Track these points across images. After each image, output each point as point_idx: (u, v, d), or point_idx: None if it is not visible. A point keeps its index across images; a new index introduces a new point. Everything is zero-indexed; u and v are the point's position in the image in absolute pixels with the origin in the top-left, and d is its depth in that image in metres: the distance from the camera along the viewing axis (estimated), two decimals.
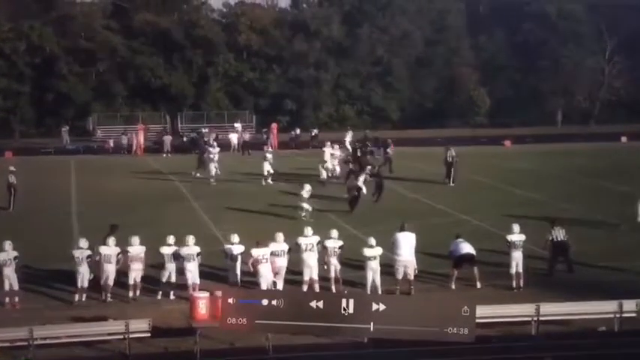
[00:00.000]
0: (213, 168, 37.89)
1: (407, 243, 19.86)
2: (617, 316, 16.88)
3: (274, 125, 57.18)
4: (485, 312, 15.93)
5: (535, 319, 16.64)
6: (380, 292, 18.89)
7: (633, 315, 16.91)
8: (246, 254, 19.29)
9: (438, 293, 19.00)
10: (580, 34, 75.99)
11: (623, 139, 59.11)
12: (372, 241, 19.50)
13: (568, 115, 74.88)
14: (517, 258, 19.94)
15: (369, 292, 18.73)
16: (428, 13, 77.53)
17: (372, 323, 10.64)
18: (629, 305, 16.88)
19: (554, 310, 17.01)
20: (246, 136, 54.55)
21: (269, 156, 37.96)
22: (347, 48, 72.94)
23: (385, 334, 10.79)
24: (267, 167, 36.96)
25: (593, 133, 63.17)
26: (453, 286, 19.72)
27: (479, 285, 19.83)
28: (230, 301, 11.24)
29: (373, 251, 19.31)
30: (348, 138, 50.21)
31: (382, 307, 10.63)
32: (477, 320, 15.71)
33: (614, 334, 16.78)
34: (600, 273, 21.22)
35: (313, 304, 10.69)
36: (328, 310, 10.61)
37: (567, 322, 17.03)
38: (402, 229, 20.33)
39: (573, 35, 75.56)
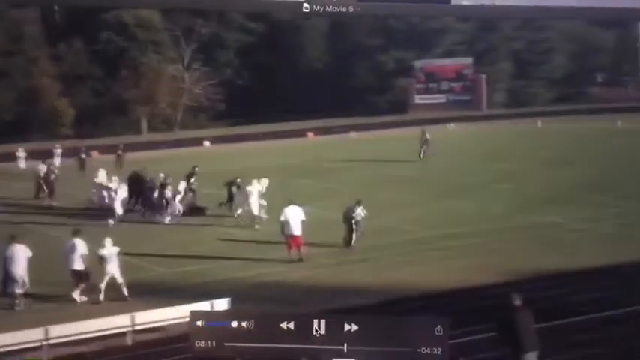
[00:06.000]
0: None
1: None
2: None
3: None
4: (78, 328, 15.85)
5: (131, 329, 16.59)
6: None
7: None
8: None
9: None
10: (158, 42, 77.62)
11: (206, 143, 61.93)
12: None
13: (152, 123, 76.13)
14: (112, 270, 19.70)
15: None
16: (1, 22, 73.70)
17: (345, 344, 10.07)
18: (222, 305, 17.50)
19: (149, 317, 17.07)
20: None
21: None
22: None
23: (358, 356, 10.19)
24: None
25: (178, 139, 65.01)
26: (77, 299, 19.47)
27: (79, 299, 19.51)
28: (199, 323, 10.18)
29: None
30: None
31: (355, 327, 10.10)
32: (73, 338, 15.63)
33: None
34: (185, 276, 21.79)
35: (284, 325, 10.04)
36: (299, 332, 10.00)
37: (162, 329, 17.20)
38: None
39: (152, 43, 76.95)
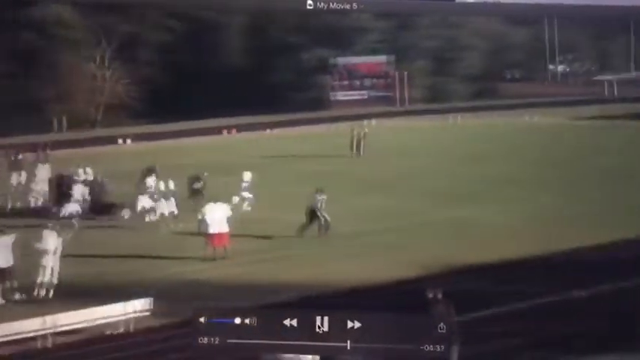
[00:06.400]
0: None
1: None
2: (129, 316, 17.57)
3: None
4: None
5: (50, 331, 16.70)
6: None
7: (146, 314, 17.74)
8: None
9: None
10: (78, 39, 76.45)
11: (128, 141, 61.52)
12: None
13: (72, 121, 75.00)
14: (48, 265, 19.87)
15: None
16: None
17: (348, 341, 9.98)
18: (139, 304, 17.67)
19: (69, 320, 17.18)
20: None
21: None
22: None
23: (361, 353, 10.12)
24: None
25: (99, 137, 64.20)
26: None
27: None
28: (201, 320, 10.14)
29: None
30: None
31: (357, 324, 10.03)
32: None
33: (127, 334, 17.41)
34: (104, 277, 22.05)
35: (287, 322, 9.98)
36: (302, 329, 9.94)
37: (82, 330, 17.30)
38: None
39: (72, 41, 75.76)
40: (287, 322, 10.05)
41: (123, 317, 17.37)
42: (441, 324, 10.13)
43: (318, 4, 9.44)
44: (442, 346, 10.10)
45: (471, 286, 19.43)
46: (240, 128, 68.05)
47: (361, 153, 46.35)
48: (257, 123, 69.34)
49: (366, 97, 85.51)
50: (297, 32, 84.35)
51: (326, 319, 10.06)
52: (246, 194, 28.87)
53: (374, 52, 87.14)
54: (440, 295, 13.78)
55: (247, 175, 29.81)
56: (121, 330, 17.38)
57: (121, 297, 17.84)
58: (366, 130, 48.11)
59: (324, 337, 10.03)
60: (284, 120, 70.46)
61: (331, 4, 9.44)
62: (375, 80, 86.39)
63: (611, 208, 28.68)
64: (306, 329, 10.06)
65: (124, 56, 76.72)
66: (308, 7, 9.63)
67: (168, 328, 17.50)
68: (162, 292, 18.68)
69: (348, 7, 9.72)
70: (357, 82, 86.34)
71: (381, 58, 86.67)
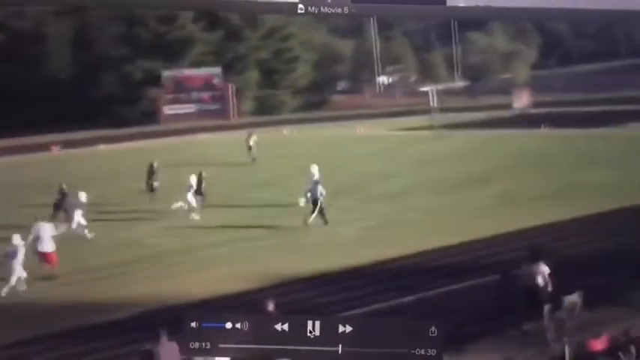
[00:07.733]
0: None
1: None
2: None
3: None
4: None
5: None
6: None
7: None
8: None
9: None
10: None
11: None
12: None
13: None
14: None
15: None
16: None
17: (339, 346, 9.47)
18: None
19: None
20: None
21: None
22: None
23: (352, 357, 9.51)
24: None
25: None
26: None
27: None
28: (193, 325, 8.96)
29: None
30: None
31: (349, 329, 9.49)
32: None
33: None
34: None
35: (278, 326, 9.25)
36: (293, 333, 8.97)
37: None
38: None
39: None
40: (278, 326, 10.39)
41: None
42: (432, 328, 10.55)
43: (310, 8, 9.24)
44: (434, 350, 10.64)
45: (303, 296, 19.58)
46: (64, 145, 65.31)
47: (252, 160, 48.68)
48: (82, 139, 66.84)
49: (194, 110, 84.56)
50: (123, 44, 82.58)
51: (317, 323, 10.52)
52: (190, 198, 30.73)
53: (202, 64, 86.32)
54: (272, 307, 13.66)
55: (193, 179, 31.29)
56: None
57: None
58: (254, 138, 50.40)
59: (315, 341, 10.58)
60: (112, 135, 68.38)
61: (322, 7, 9.27)
62: (203, 93, 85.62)
63: (447, 215, 29.58)
64: (297, 334, 10.75)
65: None
66: (299, 11, 9.41)
67: None
68: None
69: (339, 10, 9.51)
70: (186, 95, 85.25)
71: (210, 71, 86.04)
